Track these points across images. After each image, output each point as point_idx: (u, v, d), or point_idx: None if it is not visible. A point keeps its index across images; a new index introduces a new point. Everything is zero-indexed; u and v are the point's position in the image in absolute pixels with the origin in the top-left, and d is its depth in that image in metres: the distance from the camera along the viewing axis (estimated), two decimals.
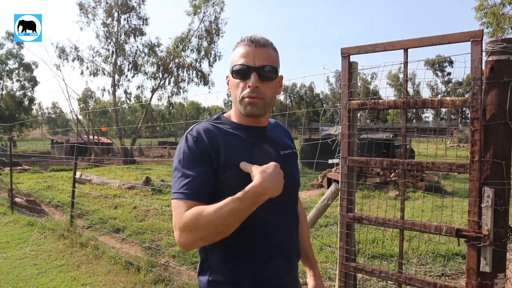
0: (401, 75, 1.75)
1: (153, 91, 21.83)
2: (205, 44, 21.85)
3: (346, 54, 1.81)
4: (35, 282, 3.80)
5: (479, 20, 16.21)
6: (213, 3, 20.97)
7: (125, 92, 22.32)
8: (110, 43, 20.84)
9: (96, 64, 21.06)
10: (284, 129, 1.35)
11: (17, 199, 7.07)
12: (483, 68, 1.45)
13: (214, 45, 22.08)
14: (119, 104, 22.32)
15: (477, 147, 1.43)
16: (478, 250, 1.44)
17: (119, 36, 20.79)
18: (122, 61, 21.29)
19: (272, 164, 1.02)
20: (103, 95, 23.35)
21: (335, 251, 3.69)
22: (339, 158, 1.88)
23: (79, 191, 7.64)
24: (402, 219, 1.69)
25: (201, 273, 1.17)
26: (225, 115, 1.23)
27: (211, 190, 1.06)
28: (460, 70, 1.52)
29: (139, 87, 22.34)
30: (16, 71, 33.47)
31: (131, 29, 21.02)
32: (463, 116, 44.12)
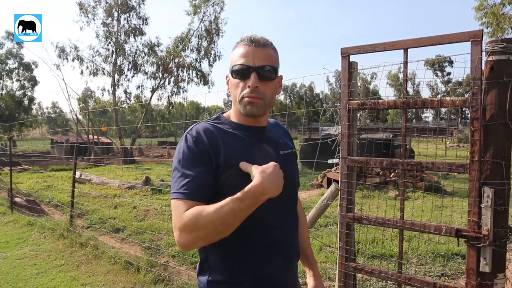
0: (401, 75, 1.75)
1: (153, 91, 21.86)
2: (205, 44, 21.88)
3: (346, 54, 1.81)
4: (35, 282, 3.80)
5: (479, 20, 16.25)
6: (213, 2, 21.00)
7: (125, 91, 22.37)
8: (110, 42, 20.86)
9: (96, 63, 21.11)
10: (283, 129, 1.35)
11: (16, 199, 7.07)
12: (483, 68, 1.44)
13: (214, 45, 22.13)
14: (119, 104, 22.33)
15: (477, 147, 1.43)
16: (477, 250, 1.44)
17: (119, 36, 20.82)
18: (122, 61, 21.32)
19: (271, 164, 1.02)
20: (103, 95, 23.39)
21: (334, 251, 3.69)
22: (338, 158, 1.88)
23: (79, 191, 7.64)
24: (401, 219, 1.69)
25: (201, 273, 1.17)
26: (224, 115, 1.23)
27: (210, 190, 1.06)
28: (460, 70, 1.53)
29: (139, 86, 22.40)
30: (16, 70, 33.41)
31: (131, 28, 21.04)
32: (463, 116, 44.12)
